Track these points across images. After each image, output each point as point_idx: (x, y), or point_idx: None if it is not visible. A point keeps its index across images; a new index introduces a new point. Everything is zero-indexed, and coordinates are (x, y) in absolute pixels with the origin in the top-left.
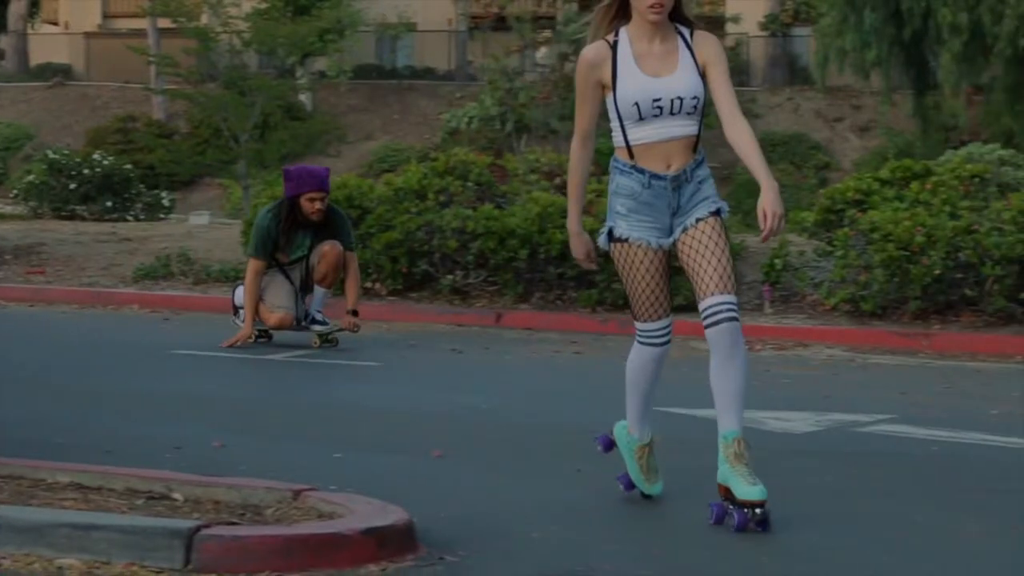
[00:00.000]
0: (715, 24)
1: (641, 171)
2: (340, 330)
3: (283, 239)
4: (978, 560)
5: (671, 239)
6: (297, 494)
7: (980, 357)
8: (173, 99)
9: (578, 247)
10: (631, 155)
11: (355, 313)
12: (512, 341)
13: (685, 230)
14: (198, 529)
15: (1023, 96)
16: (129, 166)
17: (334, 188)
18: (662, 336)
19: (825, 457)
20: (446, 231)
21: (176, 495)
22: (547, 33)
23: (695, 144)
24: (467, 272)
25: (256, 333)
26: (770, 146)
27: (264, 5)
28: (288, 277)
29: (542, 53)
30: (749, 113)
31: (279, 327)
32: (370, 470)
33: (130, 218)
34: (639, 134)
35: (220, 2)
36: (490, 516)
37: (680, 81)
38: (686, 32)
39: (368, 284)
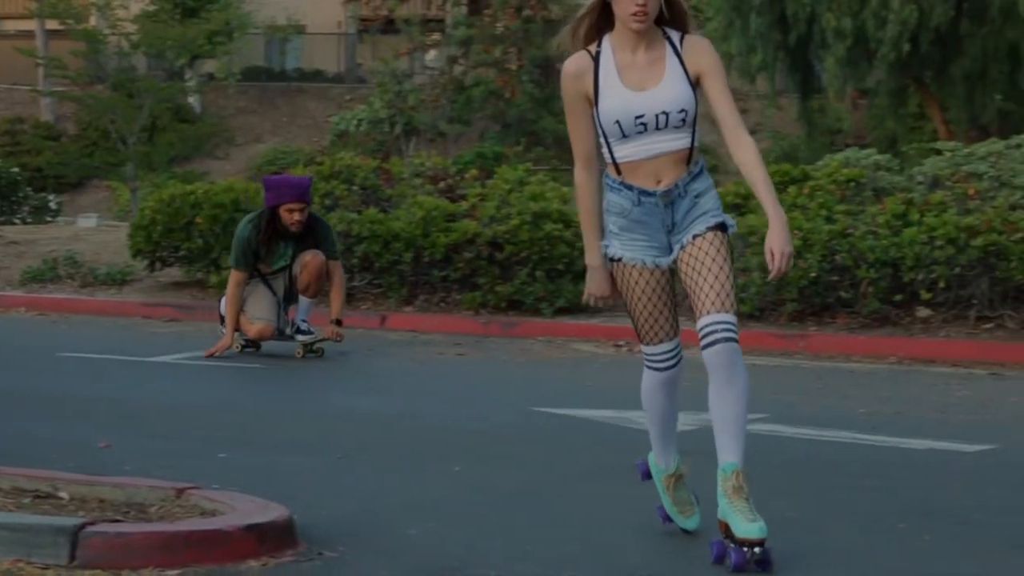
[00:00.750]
0: None
1: (630, 187)
2: (324, 340)
3: (263, 249)
4: (845, 555)
5: (670, 258)
6: (180, 492)
7: (854, 358)
8: (61, 101)
9: (597, 283)
10: (619, 171)
11: (339, 323)
12: (396, 343)
13: (683, 248)
14: (83, 526)
15: (906, 100)
16: (16, 169)
17: (220, 191)
18: (665, 360)
19: (697, 456)
20: None
21: (62, 494)
22: (436, 36)
23: (688, 157)
24: (352, 275)
25: (242, 344)
26: None
27: (153, 7)
28: (270, 287)
29: (431, 56)
30: None
31: (259, 338)
32: (253, 469)
33: (17, 221)
34: (624, 151)
35: (108, 4)
36: (371, 514)
37: (665, 94)
38: (675, 37)
39: None
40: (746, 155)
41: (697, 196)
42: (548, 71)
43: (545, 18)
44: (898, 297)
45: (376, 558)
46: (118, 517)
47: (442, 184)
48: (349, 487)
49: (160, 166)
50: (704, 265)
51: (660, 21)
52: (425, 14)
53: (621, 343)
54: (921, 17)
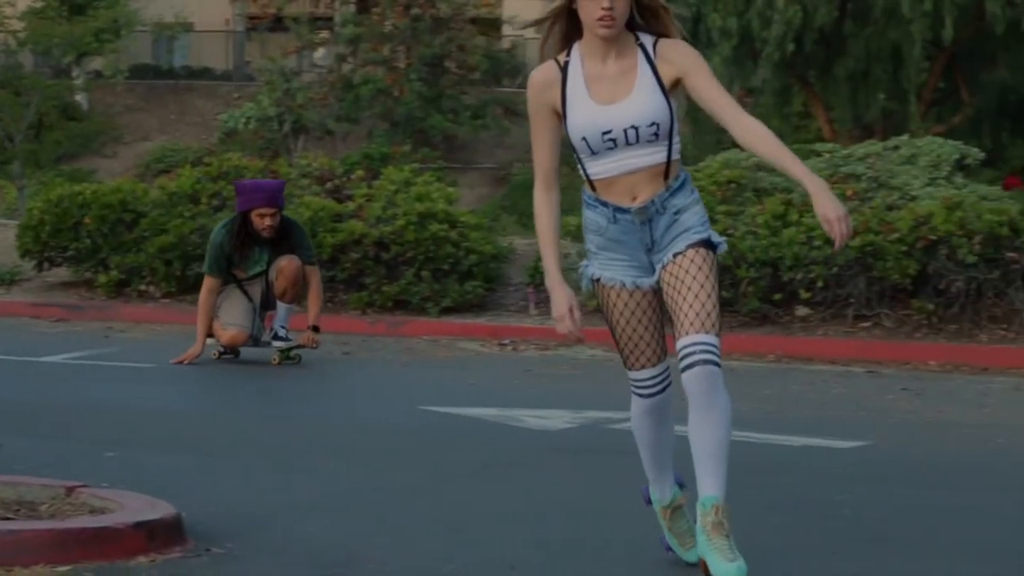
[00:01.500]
0: (491, 26)
1: (605, 204)
2: (300, 347)
3: (237, 255)
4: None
5: (653, 278)
6: (70, 491)
7: (735, 356)
8: None
9: (559, 302)
10: (593, 187)
11: (316, 329)
12: None
13: (664, 267)
14: None
15: (791, 99)
16: None
17: (109, 192)
18: (651, 387)
19: (577, 452)
20: None
21: None
22: (325, 34)
23: (665, 171)
24: None
25: (220, 351)
26: None
27: (39, 4)
28: (246, 293)
29: (319, 54)
30: (525, 115)
31: (231, 345)
32: (142, 468)
33: None
34: (596, 168)
35: None
36: (259, 511)
37: (635, 107)
38: (649, 43)
39: (143, 287)
40: (754, 132)
41: (677, 212)
42: (436, 69)
43: (434, 16)
44: (777, 296)
45: (264, 554)
46: (9, 515)
47: (329, 185)
48: (237, 485)
49: (47, 164)
50: (684, 284)
51: (634, 26)
52: (313, 12)
53: (506, 342)
54: (805, 17)
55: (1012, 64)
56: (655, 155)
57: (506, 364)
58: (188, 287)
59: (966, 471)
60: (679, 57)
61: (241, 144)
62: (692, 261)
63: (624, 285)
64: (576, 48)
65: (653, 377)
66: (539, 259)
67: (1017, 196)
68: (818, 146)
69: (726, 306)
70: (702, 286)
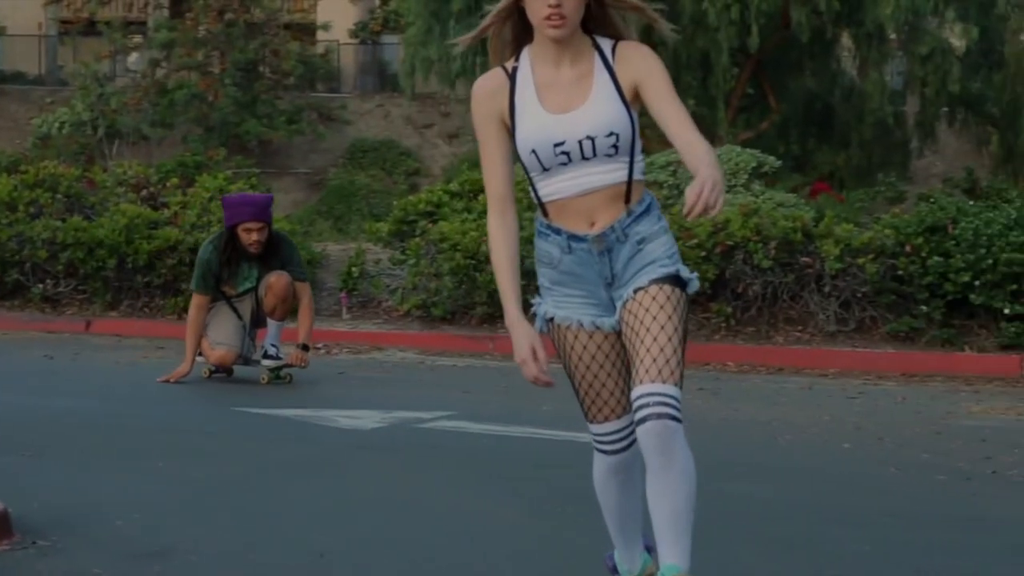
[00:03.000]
0: (306, 31)
1: (558, 231)
2: (289, 365)
3: (225, 272)
4: (513, 536)
5: (615, 318)
6: None
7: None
8: None
9: (521, 343)
10: (546, 212)
11: (306, 348)
12: (101, 347)
13: (624, 304)
14: None
15: None
16: None
17: None
18: (615, 441)
19: (386, 450)
20: (36, 241)
21: None
22: (138, 39)
23: (627, 193)
24: (57, 281)
25: (211, 370)
26: (360, 152)
27: None
28: (235, 311)
29: (133, 59)
30: (339, 119)
31: (220, 364)
32: None
33: None
34: (548, 188)
35: None
36: (81, 506)
37: (591, 115)
38: (607, 47)
39: None
40: (693, 151)
41: (642, 241)
42: (251, 74)
43: (248, 21)
44: None
45: (87, 546)
46: None
47: (144, 192)
48: (59, 483)
49: None
50: (643, 324)
51: (591, 28)
52: (127, 16)
53: (319, 346)
54: None
55: (817, 72)
56: (614, 173)
57: (319, 367)
58: (6, 293)
59: (748, 465)
60: (637, 61)
61: (56, 149)
62: (655, 299)
63: (582, 325)
64: (526, 53)
65: (618, 431)
66: (351, 265)
67: (825, 201)
68: None
69: (530, 309)
70: (663, 327)
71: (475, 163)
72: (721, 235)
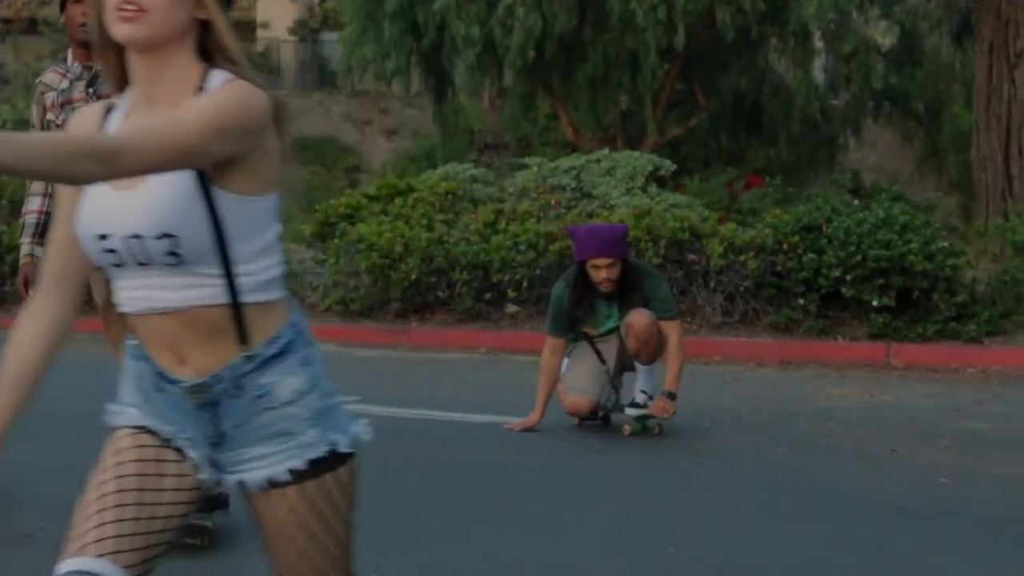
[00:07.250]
0: (246, 29)
1: (146, 359)
2: (653, 416)
3: (579, 311)
4: (399, 508)
5: (217, 474)
6: None
7: (451, 349)
8: None
9: None
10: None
11: (672, 396)
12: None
13: (253, 496)
14: None
15: (534, 104)
16: None
17: None
18: None
19: None
20: None
21: None
22: None
23: (236, 322)
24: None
25: (580, 420)
26: (301, 149)
27: None
28: (599, 354)
29: None
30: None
31: (573, 412)
32: None
33: None
34: (120, 295)
35: None
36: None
37: (142, 202)
38: (218, 84)
39: None
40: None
41: (266, 397)
42: None
43: None
44: (488, 296)
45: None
46: None
47: None
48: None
49: None
50: (280, 544)
51: (212, 55)
52: None
53: None
54: (545, 25)
55: (745, 70)
56: (197, 291)
57: None
58: None
59: (617, 440)
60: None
61: None
62: (294, 510)
63: (147, 430)
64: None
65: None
66: None
67: (757, 194)
68: (527, 159)
69: (443, 305)
70: (304, 554)
71: (412, 159)
72: None
